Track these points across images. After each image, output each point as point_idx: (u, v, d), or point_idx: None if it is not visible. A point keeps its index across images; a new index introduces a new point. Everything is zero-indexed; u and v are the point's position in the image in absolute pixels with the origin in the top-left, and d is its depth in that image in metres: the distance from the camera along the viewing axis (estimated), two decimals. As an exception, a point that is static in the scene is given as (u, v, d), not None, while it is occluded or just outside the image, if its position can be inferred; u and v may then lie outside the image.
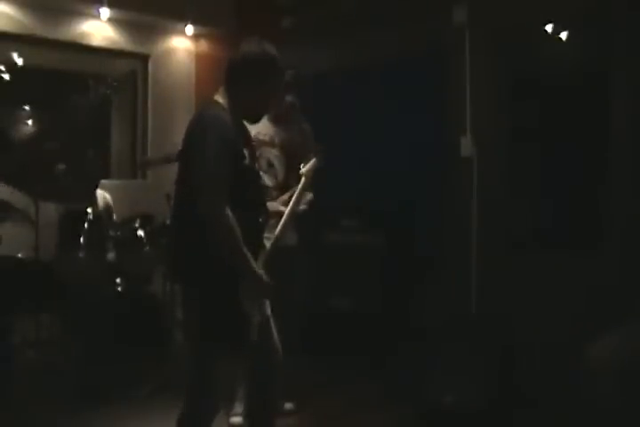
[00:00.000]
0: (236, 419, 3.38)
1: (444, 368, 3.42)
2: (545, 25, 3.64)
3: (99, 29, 4.91)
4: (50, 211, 3.92)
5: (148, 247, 3.97)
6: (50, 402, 3.43)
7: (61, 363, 3.68)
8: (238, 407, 3.37)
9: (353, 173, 4.60)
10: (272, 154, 3.48)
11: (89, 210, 3.85)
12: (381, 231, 4.43)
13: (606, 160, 3.44)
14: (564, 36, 3.61)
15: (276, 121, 3.49)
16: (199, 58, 5.52)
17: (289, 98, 3.43)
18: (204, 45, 5.52)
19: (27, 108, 4.75)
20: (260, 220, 2.44)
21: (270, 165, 3.48)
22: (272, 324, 2.53)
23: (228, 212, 2.20)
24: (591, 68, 3.55)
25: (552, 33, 3.63)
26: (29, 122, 4.74)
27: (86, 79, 4.93)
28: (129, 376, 3.66)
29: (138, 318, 3.83)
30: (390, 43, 4.41)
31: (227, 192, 2.21)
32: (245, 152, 2.37)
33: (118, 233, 3.93)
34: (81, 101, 4.92)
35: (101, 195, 4.28)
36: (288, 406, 3.66)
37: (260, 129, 3.40)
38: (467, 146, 3.97)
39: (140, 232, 3.97)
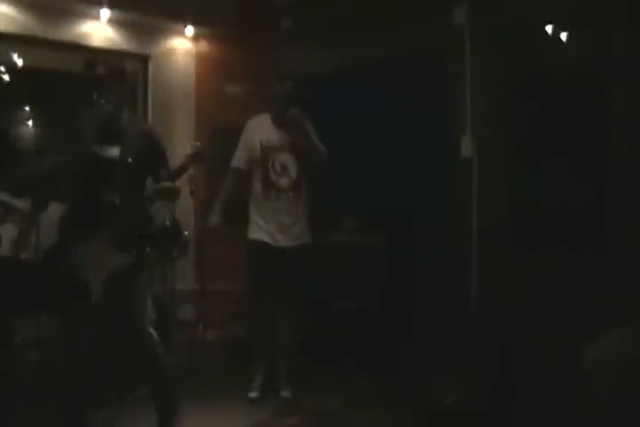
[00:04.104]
0: (252, 394, 3.82)
1: (444, 368, 3.42)
2: (545, 25, 3.64)
3: (99, 30, 4.91)
4: (50, 211, 3.92)
5: (148, 248, 3.97)
6: (50, 402, 3.42)
7: (61, 363, 3.67)
8: (256, 384, 3.84)
9: (353, 173, 4.60)
10: (284, 158, 3.78)
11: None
12: (381, 231, 4.42)
13: (606, 160, 3.44)
14: (563, 36, 3.60)
15: (280, 126, 3.78)
16: (199, 58, 5.52)
17: (292, 112, 3.68)
18: (203, 46, 5.52)
19: (27, 108, 4.74)
20: (112, 202, 2.86)
21: (284, 167, 3.78)
22: (135, 298, 2.91)
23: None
24: (591, 69, 3.54)
25: (552, 33, 3.63)
26: (29, 123, 4.74)
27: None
28: (129, 376, 3.65)
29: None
30: (390, 43, 4.41)
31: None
32: (98, 148, 2.86)
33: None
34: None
35: None
36: (285, 393, 3.83)
37: (269, 136, 3.78)
38: (467, 146, 3.98)
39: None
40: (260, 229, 3.78)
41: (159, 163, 3.04)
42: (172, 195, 3.04)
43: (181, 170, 3.00)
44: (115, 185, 2.89)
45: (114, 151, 2.88)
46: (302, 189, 3.82)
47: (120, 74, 2.99)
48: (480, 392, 3.29)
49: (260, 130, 3.81)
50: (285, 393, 3.83)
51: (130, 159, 2.91)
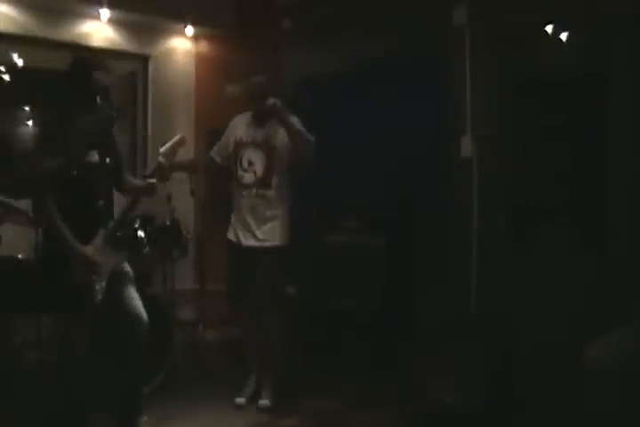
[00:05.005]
0: (239, 400, 3.75)
1: (443, 369, 3.42)
2: (545, 25, 3.64)
3: (99, 30, 4.91)
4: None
5: (148, 248, 3.98)
6: (50, 402, 3.42)
7: (64, 363, 3.67)
8: (246, 391, 3.80)
9: (353, 173, 4.60)
10: (253, 154, 3.75)
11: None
12: (381, 232, 4.42)
13: (607, 160, 3.44)
14: (564, 36, 3.60)
15: (258, 123, 3.77)
16: (199, 58, 5.53)
17: (270, 101, 3.59)
18: (203, 46, 5.53)
19: (27, 108, 4.74)
20: (98, 206, 2.98)
21: (250, 163, 3.75)
22: (129, 294, 3.02)
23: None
24: (591, 69, 3.54)
25: (552, 33, 3.63)
26: (29, 123, 4.74)
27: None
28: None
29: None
30: (390, 43, 4.41)
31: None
32: (84, 153, 2.91)
33: (118, 233, 3.93)
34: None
35: None
36: (263, 402, 3.74)
37: (244, 132, 3.79)
38: (467, 146, 3.97)
39: (141, 233, 3.97)
40: (231, 228, 3.81)
41: (121, 163, 3.23)
42: (153, 191, 3.18)
43: (160, 167, 3.14)
44: (100, 188, 3.02)
45: (95, 156, 2.97)
46: (271, 186, 3.71)
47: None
48: (479, 393, 3.29)
49: (239, 126, 3.83)
50: (264, 402, 3.71)
51: (107, 162, 3.03)
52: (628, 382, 2.39)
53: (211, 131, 5.17)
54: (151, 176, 3.16)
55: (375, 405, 3.76)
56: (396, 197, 4.44)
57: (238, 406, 3.73)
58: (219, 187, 4.10)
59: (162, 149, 3.14)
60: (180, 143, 3.20)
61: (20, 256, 3.70)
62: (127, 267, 3.11)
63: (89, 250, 2.87)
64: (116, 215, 3.08)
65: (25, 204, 3.82)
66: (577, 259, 3.50)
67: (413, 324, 4.10)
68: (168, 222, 4.19)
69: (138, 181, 3.28)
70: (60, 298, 2.89)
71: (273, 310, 3.75)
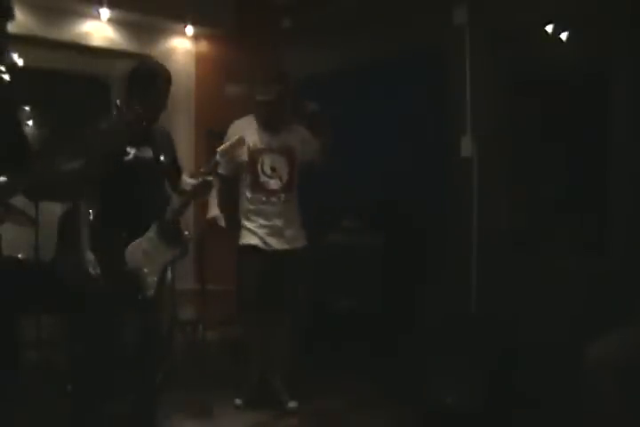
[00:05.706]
0: (238, 401, 3.77)
1: (443, 368, 3.42)
2: (545, 25, 3.64)
3: (99, 30, 4.91)
4: (50, 211, 3.91)
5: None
6: (50, 402, 3.42)
7: (62, 363, 3.67)
8: (246, 391, 3.80)
9: (353, 173, 4.60)
10: (273, 159, 3.73)
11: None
12: (381, 232, 4.42)
13: (607, 159, 3.44)
14: (564, 36, 3.60)
15: (270, 128, 3.75)
16: (199, 58, 5.52)
17: (282, 107, 3.68)
18: (203, 46, 5.52)
19: (27, 108, 4.74)
20: (151, 199, 3.08)
21: (273, 169, 3.73)
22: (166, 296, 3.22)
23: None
24: (591, 69, 3.54)
25: (552, 33, 3.63)
26: (29, 123, 4.73)
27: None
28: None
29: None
30: (390, 43, 4.41)
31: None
32: (128, 150, 3.00)
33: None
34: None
35: None
36: (292, 404, 3.73)
37: (257, 138, 3.73)
38: (467, 146, 3.98)
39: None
40: (251, 234, 3.71)
41: (176, 161, 3.32)
42: (209, 188, 3.27)
43: (216, 164, 3.21)
44: (152, 183, 3.12)
45: (148, 152, 3.09)
46: (294, 190, 3.77)
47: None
48: (479, 393, 3.29)
49: (248, 133, 3.68)
50: (293, 404, 3.74)
51: (161, 158, 3.12)
52: (628, 381, 2.39)
53: (211, 131, 5.17)
54: (208, 173, 3.17)
55: (375, 405, 3.76)
56: (395, 197, 4.44)
57: (238, 407, 3.73)
58: (226, 197, 3.99)
59: (220, 148, 3.21)
60: (239, 144, 3.27)
61: (19, 256, 3.69)
62: (170, 272, 3.25)
63: (137, 246, 2.99)
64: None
65: (22, 203, 3.81)
66: (577, 259, 3.50)
67: (413, 324, 4.10)
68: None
69: (194, 181, 3.23)
70: (61, 298, 2.90)
71: (299, 311, 3.81)
